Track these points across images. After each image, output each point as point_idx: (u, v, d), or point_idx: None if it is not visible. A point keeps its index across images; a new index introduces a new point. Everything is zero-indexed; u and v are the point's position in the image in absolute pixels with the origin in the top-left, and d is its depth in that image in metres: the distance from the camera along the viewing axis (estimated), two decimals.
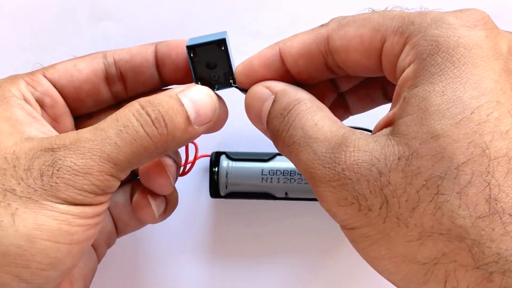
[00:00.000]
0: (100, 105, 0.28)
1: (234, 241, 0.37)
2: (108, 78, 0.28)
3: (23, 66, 0.37)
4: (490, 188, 0.18)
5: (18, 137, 0.23)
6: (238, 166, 0.34)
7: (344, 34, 0.23)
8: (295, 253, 0.37)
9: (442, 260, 0.19)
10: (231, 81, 0.26)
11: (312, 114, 0.22)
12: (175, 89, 0.24)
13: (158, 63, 0.28)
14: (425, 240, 0.19)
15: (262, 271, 0.37)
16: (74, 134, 0.22)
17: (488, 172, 0.18)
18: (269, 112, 0.24)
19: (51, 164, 0.21)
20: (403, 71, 0.21)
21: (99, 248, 0.29)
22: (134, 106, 0.23)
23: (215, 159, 0.35)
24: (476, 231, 0.18)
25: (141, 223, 0.30)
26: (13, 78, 0.26)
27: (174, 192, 0.30)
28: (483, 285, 0.18)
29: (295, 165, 0.23)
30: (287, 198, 0.34)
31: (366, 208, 0.20)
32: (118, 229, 0.30)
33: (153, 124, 0.23)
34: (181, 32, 0.37)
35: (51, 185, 0.21)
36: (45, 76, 0.27)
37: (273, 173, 0.34)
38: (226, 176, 0.34)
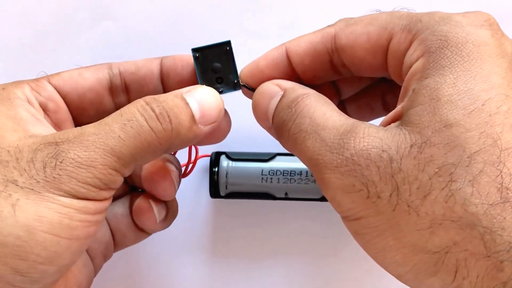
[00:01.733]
0: (102, 115, 0.28)
1: (234, 241, 0.37)
2: (112, 89, 0.28)
3: (23, 65, 0.37)
4: (502, 177, 0.18)
5: (22, 133, 0.23)
6: (238, 166, 0.34)
7: (351, 32, 0.23)
8: (295, 253, 0.37)
9: (453, 249, 0.19)
10: (236, 82, 0.26)
11: (320, 105, 0.22)
12: (181, 89, 0.24)
13: (163, 76, 0.28)
14: (436, 228, 0.19)
15: (262, 271, 0.37)
16: (78, 129, 0.22)
17: (500, 162, 0.18)
18: (276, 107, 0.24)
19: (54, 156, 0.21)
20: (410, 67, 0.21)
21: (95, 258, 0.29)
22: (139, 102, 0.23)
23: (215, 159, 0.35)
24: (488, 218, 0.18)
25: (138, 236, 0.30)
26: (18, 82, 0.26)
27: (175, 200, 0.30)
28: (493, 274, 0.18)
29: (299, 154, 0.22)
30: (287, 198, 0.34)
31: (375, 195, 0.20)
32: (116, 241, 0.30)
33: (158, 119, 0.23)
34: (181, 31, 0.37)
35: (54, 177, 0.21)
36: (49, 82, 0.27)
37: (273, 173, 0.34)
38: (226, 176, 0.34)
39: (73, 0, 0.37)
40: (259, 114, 0.25)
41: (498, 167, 0.18)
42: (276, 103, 0.24)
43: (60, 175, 0.21)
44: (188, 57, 0.27)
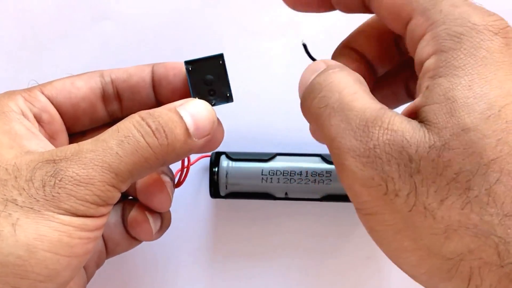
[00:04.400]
0: (95, 123, 0.29)
1: (234, 241, 0.37)
2: (104, 97, 0.28)
3: (23, 65, 0.37)
4: None
5: (18, 150, 0.23)
6: (238, 166, 0.34)
7: None
8: (295, 253, 0.37)
9: (467, 256, 0.18)
10: (228, 95, 0.26)
11: (352, 82, 0.22)
12: (174, 103, 0.25)
13: (155, 83, 0.28)
14: (452, 233, 0.19)
15: (262, 271, 0.37)
16: (75, 146, 0.22)
17: None
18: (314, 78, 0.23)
19: (53, 175, 0.21)
20: (421, 60, 0.21)
21: (89, 268, 0.29)
22: (134, 118, 0.23)
23: (215, 159, 0.35)
24: (502, 228, 0.18)
25: (131, 244, 0.30)
26: (11, 94, 0.26)
27: (168, 211, 0.30)
28: (505, 284, 0.18)
29: (321, 130, 0.22)
30: (287, 198, 0.34)
31: (393, 193, 0.19)
32: (108, 249, 0.30)
33: (154, 134, 0.23)
34: (180, 31, 0.37)
35: (53, 195, 0.21)
36: (42, 93, 0.27)
37: (273, 173, 0.34)
38: (226, 176, 0.34)
39: (73, 0, 0.37)
40: (300, 89, 0.24)
41: None
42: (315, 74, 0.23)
43: (59, 193, 0.21)
44: (179, 65, 0.27)
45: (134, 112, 0.28)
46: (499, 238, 0.18)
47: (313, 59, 0.25)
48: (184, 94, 0.27)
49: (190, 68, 0.26)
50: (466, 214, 0.18)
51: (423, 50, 0.21)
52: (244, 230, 0.37)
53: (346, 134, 0.20)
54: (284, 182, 0.34)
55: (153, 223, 0.28)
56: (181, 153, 0.24)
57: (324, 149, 0.26)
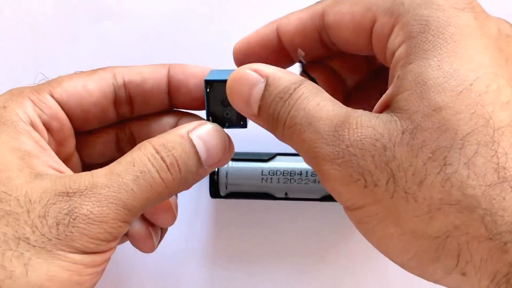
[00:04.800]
0: (103, 123, 0.28)
1: (234, 241, 0.37)
2: (116, 101, 0.27)
3: (23, 65, 0.37)
4: (497, 156, 0.18)
5: (27, 172, 0.22)
6: (238, 166, 0.34)
7: (338, 10, 0.23)
8: (295, 253, 0.37)
9: (453, 232, 0.18)
10: (243, 123, 0.26)
11: (314, 95, 0.22)
12: (186, 126, 0.24)
13: (171, 89, 0.27)
14: (435, 213, 0.18)
15: (262, 271, 0.37)
16: (89, 178, 0.22)
17: (494, 142, 0.18)
18: (263, 96, 0.22)
19: (67, 213, 0.21)
20: (393, 52, 0.21)
21: None
22: (148, 150, 0.23)
23: None
24: (487, 200, 0.18)
25: (122, 239, 0.30)
26: (18, 97, 0.25)
27: None
28: (497, 256, 0.18)
29: (297, 147, 0.22)
30: (287, 198, 0.34)
31: (372, 184, 0.19)
32: None
33: (168, 170, 0.23)
34: (181, 31, 0.37)
35: (66, 235, 0.21)
36: (52, 96, 0.26)
37: (273, 173, 0.34)
38: (226, 176, 0.34)
39: (73, 0, 0.37)
40: (238, 101, 0.23)
41: (492, 147, 0.18)
42: (260, 92, 0.22)
43: (72, 232, 0.21)
44: (200, 73, 0.27)
45: (144, 114, 0.28)
46: (484, 210, 0.18)
47: (311, 78, 0.25)
48: (200, 101, 0.27)
49: (209, 88, 0.25)
50: (447, 190, 0.18)
51: (394, 42, 0.21)
52: (244, 230, 0.37)
53: (318, 143, 0.21)
54: (284, 182, 0.34)
55: (155, 238, 0.28)
56: (192, 183, 0.24)
57: None
